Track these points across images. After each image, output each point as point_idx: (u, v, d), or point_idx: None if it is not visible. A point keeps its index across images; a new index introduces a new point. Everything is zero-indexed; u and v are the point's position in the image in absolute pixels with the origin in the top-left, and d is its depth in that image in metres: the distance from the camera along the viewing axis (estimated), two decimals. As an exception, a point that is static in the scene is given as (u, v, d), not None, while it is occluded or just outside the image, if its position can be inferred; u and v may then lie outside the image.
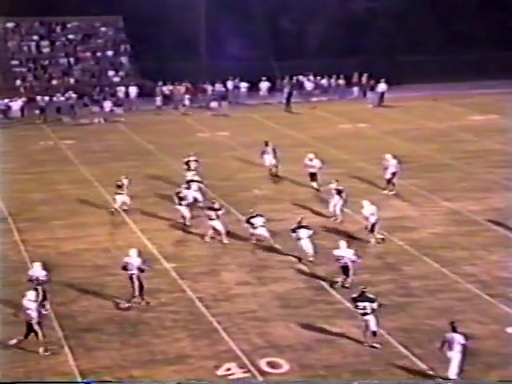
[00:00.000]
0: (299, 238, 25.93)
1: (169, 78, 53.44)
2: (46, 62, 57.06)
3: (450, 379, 18.75)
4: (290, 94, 52.22)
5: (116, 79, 56.36)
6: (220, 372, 19.50)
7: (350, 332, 21.37)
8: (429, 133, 44.62)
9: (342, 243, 24.17)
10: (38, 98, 49.66)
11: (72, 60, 57.61)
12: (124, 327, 21.87)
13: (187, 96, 52.55)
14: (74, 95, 49.86)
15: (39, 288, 22.45)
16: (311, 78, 56.00)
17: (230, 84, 54.43)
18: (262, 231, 27.17)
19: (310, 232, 25.98)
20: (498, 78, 56.56)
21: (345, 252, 23.92)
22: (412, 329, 21.64)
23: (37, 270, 23.01)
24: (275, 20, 62.59)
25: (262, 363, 19.88)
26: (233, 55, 56.53)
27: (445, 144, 41.85)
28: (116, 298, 23.52)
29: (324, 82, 56.36)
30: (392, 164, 33.39)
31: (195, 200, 30.75)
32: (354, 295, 21.00)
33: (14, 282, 24.45)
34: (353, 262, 23.86)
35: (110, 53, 58.65)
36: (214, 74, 54.16)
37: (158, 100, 51.82)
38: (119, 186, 31.02)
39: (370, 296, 20.74)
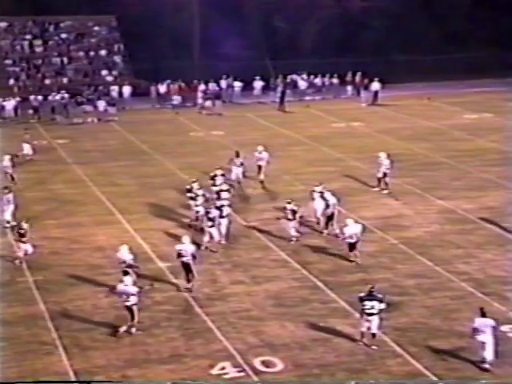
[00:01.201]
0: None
1: (162, 78, 53.42)
2: (39, 62, 56.93)
3: (441, 379, 18.81)
4: (283, 93, 52.23)
5: (109, 78, 56.27)
6: (214, 371, 19.52)
7: (344, 331, 21.40)
8: (423, 131, 44.70)
9: (350, 221, 25.49)
10: (32, 97, 49.58)
11: (65, 59, 57.47)
12: (118, 327, 21.76)
13: (175, 96, 52.43)
14: (66, 95, 49.79)
15: (130, 270, 23.03)
16: (305, 76, 55.99)
17: (223, 83, 54.40)
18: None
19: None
20: (492, 76, 56.72)
21: (354, 228, 25.36)
22: (406, 327, 21.68)
23: (124, 254, 23.67)
24: (269, 19, 62.65)
25: (257, 362, 19.90)
26: (226, 54, 56.53)
27: (439, 143, 41.93)
28: (109, 296, 23.53)
29: (318, 80, 56.34)
30: (385, 164, 33.42)
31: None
32: (362, 294, 20.69)
33: (6, 282, 24.46)
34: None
35: (103, 52, 58.55)
36: (207, 73, 54.13)
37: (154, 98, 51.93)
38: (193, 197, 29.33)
39: (379, 295, 20.58)
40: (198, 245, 25.31)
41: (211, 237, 26.89)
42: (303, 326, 21.83)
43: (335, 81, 56.12)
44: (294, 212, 27.42)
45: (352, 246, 25.72)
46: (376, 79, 52.80)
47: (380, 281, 24.34)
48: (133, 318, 21.33)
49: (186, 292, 23.73)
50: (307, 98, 54.90)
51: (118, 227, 29.66)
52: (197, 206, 28.66)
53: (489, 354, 19.42)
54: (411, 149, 40.72)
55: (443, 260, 26.18)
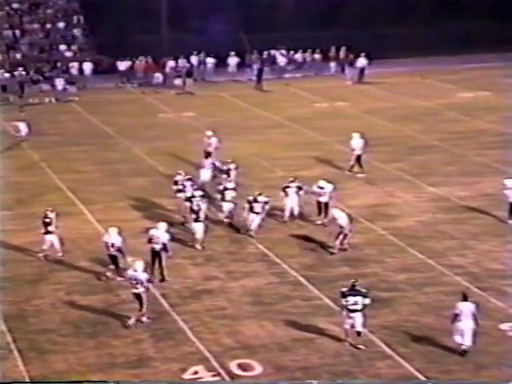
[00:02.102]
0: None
1: (127, 53, 53.19)
2: (-12, 35, 56.50)
3: (430, 380, 18.98)
4: (260, 71, 52.18)
5: (68, 54, 55.85)
6: (186, 376, 19.55)
7: (328, 330, 21.50)
8: (413, 112, 44.87)
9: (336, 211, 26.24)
10: (-20, 75, 49.31)
11: (18, 32, 56.99)
12: (80, 328, 21.82)
13: (156, 74, 52.22)
14: (23, 72, 49.44)
15: (118, 254, 24.04)
16: (284, 52, 55.96)
17: (194, 59, 54.26)
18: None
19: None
20: (489, 51, 56.88)
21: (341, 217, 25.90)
22: (396, 326, 21.81)
23: (114, 237, 24.20)
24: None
25: (233, 365, 19.95)
26: (198, 28, 56.30)
27: (431, 124, 42.12)
28: (71, 294, 23.50)
29: (298, 56, 56.36)
30: (358, 144, 33.64)
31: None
32: (344, 289, 20.85)
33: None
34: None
35: (61, 24, 58.06)
36: (177, 49, 53.95)
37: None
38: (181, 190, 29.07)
39: (363, 290, 20.76)
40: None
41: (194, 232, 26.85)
42: (283, 325, 21.90)
43: (317, 56, 56.14)
44: (265, 204, 27.42)
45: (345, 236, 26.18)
46: (362, 55, 52.87)
47: (367, 275, 24.49)
48: (141, 306, 21.76)
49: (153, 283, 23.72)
50: (287, 75, 54.89)
51: (80, 218, 29.56)
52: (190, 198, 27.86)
53: (468, 339, 20.04)
54: (401, 131, 40.87)
55: (436, 252, 26.34)
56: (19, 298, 23.49)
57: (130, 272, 22.11)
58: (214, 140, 34.59)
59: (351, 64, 53.94)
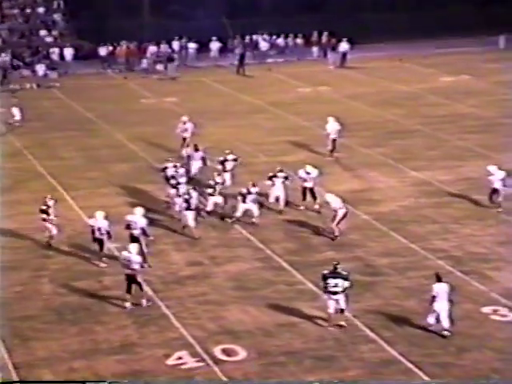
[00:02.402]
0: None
1: (108, 38, 52.89)
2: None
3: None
4: (242, 56, 52.02)
5: (49, 39, 55.46)
6: (170, 361, 19.51)
7: (312, 315, 21.50)
8: (395, 96, 44.88)
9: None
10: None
11: (-3, 18, 56.59)
12: (63, 314, 21.75)
13: (145, 60, 52.00)
14: (6, 58, 48.97)
15: (104, 238, 24.22)
16: (266, 37, 55.84)
17: (176, 44, 54.02)
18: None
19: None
20: (470, 35, 56.93)
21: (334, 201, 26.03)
22: (379, 310, 21.84)
23: (100, 221, 24.34)
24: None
25: (217, 351, 19.93)
26: (179, 12, 56.04)
27: (412, 108, 42.14)
28: (54, 281, 23.41)
29: (280, 41, 56.24)
30: (333, 128, 33.72)
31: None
32: (325, 271, 21.01)
33: None
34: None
35: (41, 10, 57.60)
36: (158, 34, 53.70)
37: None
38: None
39: (343, 273, 20.90)
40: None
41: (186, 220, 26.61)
42: (267, 310, 21.89)
43: (300, 41, 56.05)
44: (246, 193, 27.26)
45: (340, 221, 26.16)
46: (344, 39, 52.81)
47: (350, 260, 24.51)
48: (141, 288, 21.95)
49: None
50: (269, 60, 54.78)
51: (62, 205, 29.33)
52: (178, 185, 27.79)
53: (445, 322, 20.29)
54: (382, 115, 40.87)
55: (419, 236, 26.38)
56: (2, 284, 23.35)
57: (124, 253, 22.13)
58: (189, 125, 34.36)
59: (333, 49, 53.91)
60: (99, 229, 24.38)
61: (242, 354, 19.85)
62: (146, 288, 22.50)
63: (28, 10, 57.36)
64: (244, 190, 27.32)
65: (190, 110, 40.59)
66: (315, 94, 45.82)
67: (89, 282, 23.51)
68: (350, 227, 27.08)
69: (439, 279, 20.61)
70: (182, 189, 27.26)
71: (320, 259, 24.50)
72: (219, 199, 27.86)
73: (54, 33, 56.12)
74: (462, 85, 47.41)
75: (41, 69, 49.17)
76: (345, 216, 26.04)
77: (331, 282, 20.67)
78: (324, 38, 55.54)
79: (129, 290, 21.94)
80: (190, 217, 26.40)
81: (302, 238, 26.46)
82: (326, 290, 20.83)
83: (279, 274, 24.05)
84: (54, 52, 52.42)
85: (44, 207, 25.82)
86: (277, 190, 28.48)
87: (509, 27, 56.01)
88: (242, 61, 51.75)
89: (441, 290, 20.43)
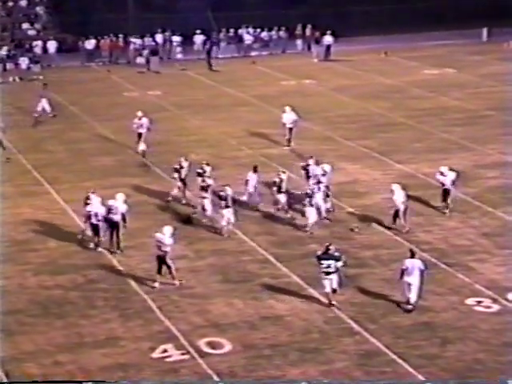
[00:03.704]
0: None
1: (92, 32, 52.74)
2: None
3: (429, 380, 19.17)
4: (209, 50, 51.48)
5: (32, 32, 55.23)
6: (155, 355, 19.55)
7: (297, 308, 21.59)
8: (380, 89, 44.97)
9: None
10: None
11: (-22, 11, 56.30)
12: (48, 308, 21.74)
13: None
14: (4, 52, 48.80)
15: (99, 224, 24.47)
16: (250, 30, 55.79)
17: (160, 37, 53.91)
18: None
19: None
20: (453, 28, 57.15)
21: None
22: (364, 302, 21.94)
23: (95, 206, 24.58)
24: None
25: (202, 344, 19.98)
26: (163, 5, 55.92)
27: (397, 101, 42.24)
28: (39, 275, 23.39)
29: (264, 34, 56.21)
30: (289, 118, 33.96)
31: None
32: (318, 253, 21.64)
33: None
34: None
35: (23, 3, 57.35)
36: (142, 27, 53.57)
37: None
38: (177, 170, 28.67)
39: (336, 254, 21.48)
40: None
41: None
42: (252, 303, 21.94)
43: (284, 34, 56.05)
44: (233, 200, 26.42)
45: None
46: (328, 32, 52.87)
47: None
48: (170, 269, 22.55)
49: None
50: (253, 53, 54.78)
51: (47, 198, 29.38)
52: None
53: (413, 295, 21.09)
54: (367, 108, 40.95)
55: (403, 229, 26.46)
56: (-14, 279, 23.35)
57: (158, 234, 22.70)
58: (144, 120, 34.14)
59: (317, 42, 53.91)
60: (96, 214, 24.59)
61: (227, 346, 19.90)
62: (130, 280, 22.56)
63: (10, 3, 57.05)
64: (222, 194, 26.12)
65: (174, 103, 40.71)
66: (299, 87, 45.85)
67: (74, 275, 23.51)
68: (334, 219, 27.17)
69: (412, 255, 21.39)
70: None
71: (304, 252, 24.57)
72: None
73: (37, 26, 55.91)
74: (446, 78, 47.57)
75: (24, 62, 48.97)
76: (405, 211, 26.17)
77: (324, 263, 21.31)
78: (308, 31, 55.56)
79: (159, 271, 22.62)
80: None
81: (286, 230, 26.50)
82: (321, 271, 21.44)
83: (264, 266, 24.10)
84: (37, 45, 52.20)
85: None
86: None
87: (491, 20, 56.31)
88: (209, 55, 51.34)
89: (412, 264, 21.17)
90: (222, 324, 20.92)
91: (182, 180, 28.42)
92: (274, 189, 27.21)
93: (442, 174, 27.58)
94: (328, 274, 21.30)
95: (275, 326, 20.79)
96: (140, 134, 33.80)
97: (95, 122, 38.83)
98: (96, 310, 21.67)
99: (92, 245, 25.09)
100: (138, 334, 20.51)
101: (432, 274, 22.72)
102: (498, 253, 24.73)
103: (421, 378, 18.59)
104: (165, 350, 19.73)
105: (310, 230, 26.02)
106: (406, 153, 33.87)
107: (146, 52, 51.38)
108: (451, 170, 27.82)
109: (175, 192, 28.54)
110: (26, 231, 26.44)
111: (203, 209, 26.96)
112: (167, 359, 19.43)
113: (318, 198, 26.53)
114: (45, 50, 52.24)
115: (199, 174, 27.62)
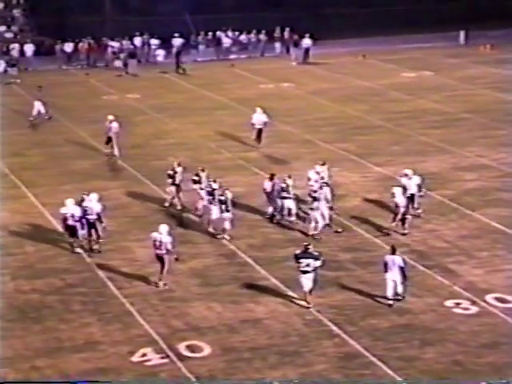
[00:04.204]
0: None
1: (69, 35, 52.54)
2: None
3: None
4: (178, 53, 51.26)
5: (8, 35, 54.98)
6: (135, 358, 19.48)
7: (276, 311, 21.58)
8: (358, 92, 45.07)
9: None
10: None
11: (-47, 14, 55.97)
12: (26, 313, 21.61)
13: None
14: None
15: (77, 224, 24.51)
16: (229, 33, 55.77)
17: (138, 40, 53.79)
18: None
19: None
20: (430, 31, 57.43)
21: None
22: (343, 305, 21.96)
23: (70, 207, 24.54)
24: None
25: (181, 347, 19.93)
26: (141, 8, 55.81)
27: (375, 104, 42.36)
28: (16, 279, 23.26)
29: (243, 37, 56.23)
30: (259, 119, 34.16)
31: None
32: (297, 251, 21.82)
33: None
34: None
35: (0, 5, 57.13)
36: (120, 30, 53.44)
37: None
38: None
39: (315, 253, 21.63)
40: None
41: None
42: (231, 306, 21.92)
43: (262, 37, 56.06)
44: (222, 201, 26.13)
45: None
46: (307, 35, 52.97)
47: (314, 255, 24.60)
48: (163, 268, 22.67)
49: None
50: (232, 56, 54.77)
51: (24, 202, 29.23)
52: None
53: (399, 288, 21.74)
54: (345, 111, 41.03)
55: (382, 231, 26.50)
56: (-37, 283, 23.19)
57: (154, 234, 22.75)
58: (114, 124, 33.97)
59: (296, 44, 53.98)
60: (72, 215, 24.56)
61: (206, 350, 19.87)
62: (109, 284, 22.44)
63: (-14, 6, 56.88)
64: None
65: (153, 107, 40.61)
66: (278, 90, 45.88)
67: (52, 280, 23.39)
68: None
69: (393, 251, 21.76)
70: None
71: (284, 255, 24.55)
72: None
73: (14, 29, 55.68)
74: (423, 80, 47.76)
75: (0, 65, 48.68)
76: (405, 214, 26.02)
77: (303, 261, 21.48)
78: (286, 34, 55.63)
79: (163, 270, 22.79)
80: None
81: (265, 233, 26.49)
82: (298, 270, 21.62)
83: (243, 269, 24.09)
84: (14, 48, 51.95)
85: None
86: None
87: (468, 23, 56.65)
88: (178, 57, 51.18)
89: (391, 260, 21.57)
90: (201, 327, 20.88)
91: (177, 185, 28.07)
92: (283, 194, 26.93)
93: (406, 175, 27.47)
94: (306, 272, 21.47)
95: (255, 329, 20.78)
96: (110, 138, 33.70)
97: (74, 125, 38.67)
98: (74, 314, 21.57)
99: (78, 249, 24.93)
100: (117, 338, 20.43)
101: (411, 276, 22.77)
102: (477, 255, 24.84)
103: (400, 379, 18.64)
104: (144, 354, 19.66)
105: (318, 235, 25.89)
106: (384, 155, 33.96)
107: (123, 55, 51.24)
108: (415, 174, 27.59)
109: (170, 198, 28.32)
110: (3, 235, 26.29)
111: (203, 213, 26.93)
112: (146, 363, 19.37)
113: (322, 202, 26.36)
114: (22, 53, 52.00)
115: (195, 182, 27.49)
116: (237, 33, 56.06)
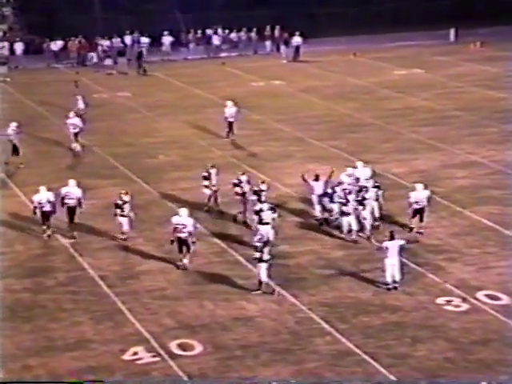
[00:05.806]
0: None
1: (59, 33, 52.42)
2: None
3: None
4: (140, 53, 50.67)
5: (-2, 34, 54.88)
6: (126, 357, 19.44)
7: (268, 309, 21.57)
8: (348, 90, 45.10)
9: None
10: None
11: None
12: (16, 312, 21.56)
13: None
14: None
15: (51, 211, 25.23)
16: (219, 31, 55.76)
17: (128, 39, 53.70)
18: None
19: None
20: (420, 29, 57.44)
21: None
22: (335, 303, 21.96)
23: (44, 194, 25.35)
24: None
25: (173, 345, 19.90)
26: (131, 7, 55.74)
27: (366, 102, 42.39)
28: (6, 278, 23.19)
29: (234, 35, 56.22)
30: (230, 112, 34.78)
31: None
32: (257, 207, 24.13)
33: None
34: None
35: (-11, 4, 57.06)
36: (110, 28, 53.35)
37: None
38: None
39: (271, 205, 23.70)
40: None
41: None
42: (223, 304, 21.90)
43: (253, 35, 56.09)
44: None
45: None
46: (297, 33, 52.96)
47: (306, 253, 24.64)
48: (188, 249, 23.48)
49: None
50: (222, 54, 54.75)
51: (14, 200, 29.14)
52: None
53: (397, 274, 22.37)
54: (336, 109, 41.05)
55: (373, 229, 26.48)
56: (-47, 282, 23.12)
57: (175, 218, 23.33)
58: (77, 120, 34.23)
59: (286, 43, 54.00)
60: (48, 201, 25.28)
61: (198, 348, 19.85)
62: (100, 282, 22.39)
63: (-25, 4, 56.71)
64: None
65: (144, 105, 40.56)
66: (269, 88, 45.88)
67: (42, 278, 23.34)
68: (305, 221, 27.16)
69: (392, 237, 22.53)
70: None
71: (275, 253, 24.44)
72: None
73: (4, 27, 55.52)
74: (414, 78, 47.82)
75: (-10, 64, 48.67)
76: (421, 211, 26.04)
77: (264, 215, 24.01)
78: (277, 32, 55.63)
79: (180, 250, 23.51)
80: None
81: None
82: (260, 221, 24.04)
83: (234, 268, 24.06)
84: (4, 46, 51.85)
85: (120, 202, 25.50)
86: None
87: (458, 20, 56.74)
88: (140, 58, 50.74)
89: (392, 246, 22.33)
90: (193, 325, 20.85)
91: (212, 187, 27.68)
92: (326, 199, 26.51)
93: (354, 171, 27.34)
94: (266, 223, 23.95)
95: (246, 327, 20.76)
96: (75, 134, 33.96)
97: (63, 123, 38.48)
98: (66, 312, 21.52)
99: (49, 232, 25.61)
100: (108, 336, 20.39)
101: (402, 274, 22.79)
102: (468, 252, 24.87)
103: (392, 377, 18.66)
104: (135, 353, 19.63)
105: (353, 238, 25.69)
106: (374, 153, 33.96)
107: (113, 53, 51.16)
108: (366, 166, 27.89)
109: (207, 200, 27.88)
110: (-5, 234, 26.22)
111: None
112: (138, 361, 19.34)
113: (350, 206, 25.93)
114: (12, 51, 51.88)
115: (205, 178, 27.45)
116: (227, 31, 56.05)
